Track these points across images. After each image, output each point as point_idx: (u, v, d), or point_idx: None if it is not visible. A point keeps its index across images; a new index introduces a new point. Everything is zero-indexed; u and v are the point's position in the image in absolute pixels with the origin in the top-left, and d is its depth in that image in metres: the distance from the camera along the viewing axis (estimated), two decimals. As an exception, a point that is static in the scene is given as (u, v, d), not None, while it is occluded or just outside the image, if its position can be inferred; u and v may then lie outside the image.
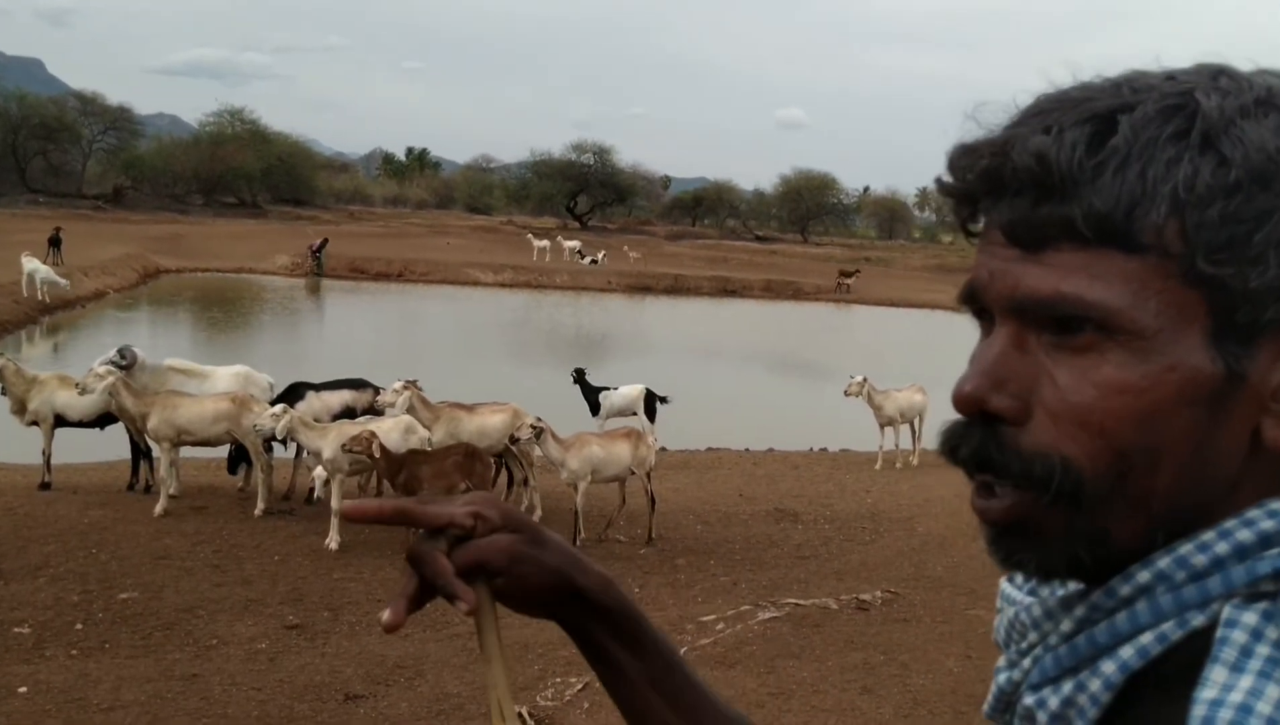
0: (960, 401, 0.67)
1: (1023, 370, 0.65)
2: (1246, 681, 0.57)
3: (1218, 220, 0.60)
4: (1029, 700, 0.68)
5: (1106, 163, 0.62)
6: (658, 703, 0.87)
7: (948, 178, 0.70)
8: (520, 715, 0.62)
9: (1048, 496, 0.64)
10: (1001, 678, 0.72)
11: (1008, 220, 0.65)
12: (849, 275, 48.50)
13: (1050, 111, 0.65)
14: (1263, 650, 0.58)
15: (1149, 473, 0.63)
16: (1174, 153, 0.61)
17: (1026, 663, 0.69)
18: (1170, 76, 0.65)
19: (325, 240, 43.18)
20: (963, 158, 0.68)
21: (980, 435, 0.66)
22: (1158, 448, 0.62)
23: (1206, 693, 0.57)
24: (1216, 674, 0.58)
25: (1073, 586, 0.69)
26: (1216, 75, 0.65)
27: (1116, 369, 0.62)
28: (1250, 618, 0.59)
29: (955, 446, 0.68)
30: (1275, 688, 0.56)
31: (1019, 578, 0.75)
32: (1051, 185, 0.63)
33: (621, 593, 0.88)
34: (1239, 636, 0.59)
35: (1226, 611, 0.60)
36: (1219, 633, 0.59)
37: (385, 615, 0.78)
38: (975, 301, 0.69)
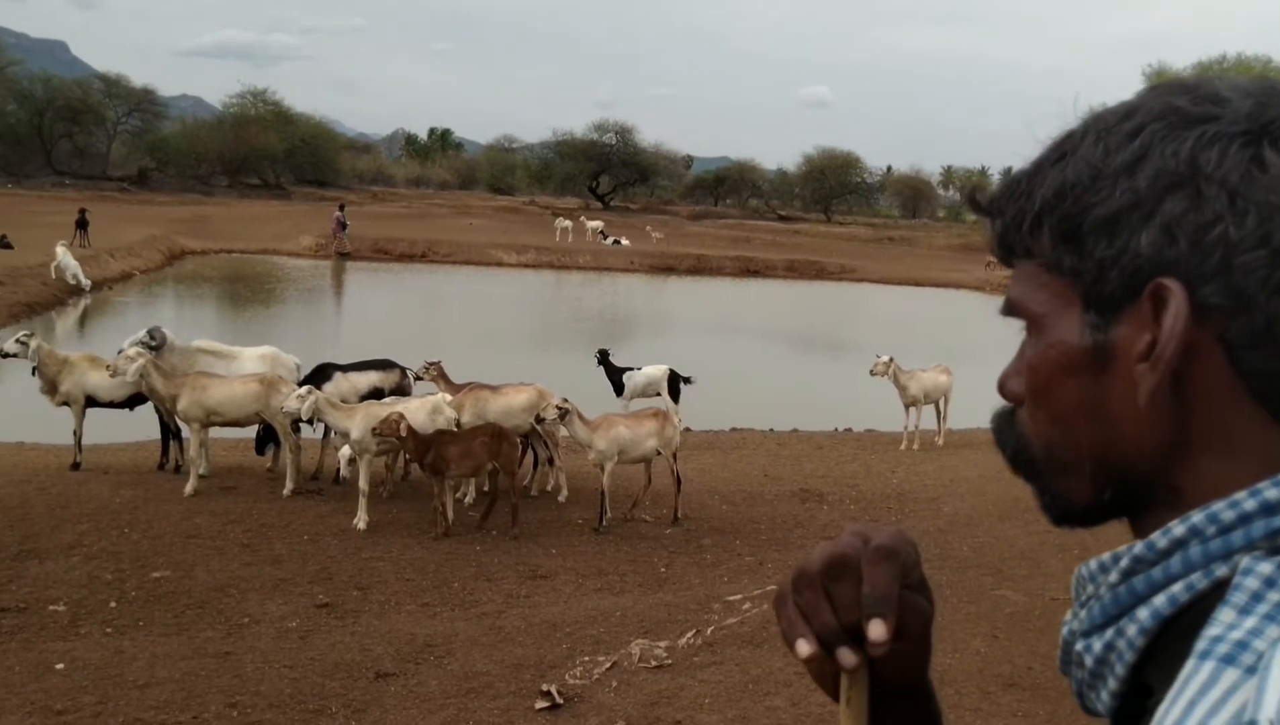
0: (998, 389, 0.82)
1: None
2: (1250, 622, 0.61)
3: (1058, 219, 0.75)
4: (1079, 646, 0.75)
5: (1012, 190, 0.79)
6: None
7: None
8: None
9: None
10: (1065, 629, 0.79)
11: (990, 244, 0.83)
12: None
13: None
14: (1273, 597, 0.62)
15: (1067, 440, 0.76)
16: (1048, 175, 0.76)
17: (1083, 613, 0.76)
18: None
19: (342, 204, 44.00)
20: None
21: (1002, 416, 0.83)
22: (1063, 416, 0.76)
23: (1212, 630, 0.62)
24: (1225, 615, 0.62)
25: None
26: (1096, 111, 0.78)
27: (1030, 351, 0.78)
28: (1266, 568, 0.64)
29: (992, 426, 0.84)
30: (1276, 628, 0.60)
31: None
32: (995, 216, 0.81)
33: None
34: (1252, 583, 0.63)
35: (1244, 561, 0.65)
36: (1235, 579, 0.64)
37: (804, 649, 0.78)
38: None
